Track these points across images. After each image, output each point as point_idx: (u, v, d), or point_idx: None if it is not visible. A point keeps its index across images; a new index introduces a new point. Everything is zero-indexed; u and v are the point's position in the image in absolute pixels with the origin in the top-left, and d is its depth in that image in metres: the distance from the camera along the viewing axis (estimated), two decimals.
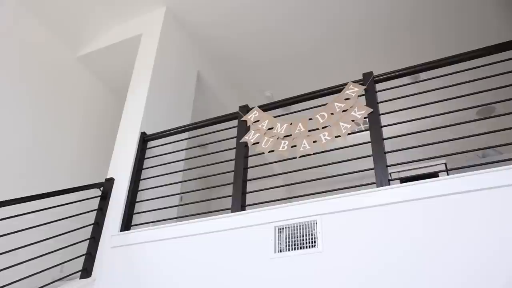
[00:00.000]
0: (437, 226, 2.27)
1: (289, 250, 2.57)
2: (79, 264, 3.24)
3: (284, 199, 2.84)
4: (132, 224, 3.29)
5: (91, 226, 3.32)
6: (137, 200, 3.41)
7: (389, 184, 2.56)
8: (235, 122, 3.42)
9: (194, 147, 3.76)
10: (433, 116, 2.84)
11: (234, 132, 3.39)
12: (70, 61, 4.78)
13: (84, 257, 3.17)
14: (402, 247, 2.29)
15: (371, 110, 2.88)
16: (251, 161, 3.34)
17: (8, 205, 2.68)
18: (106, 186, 3.47)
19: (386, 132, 2.91)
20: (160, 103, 4.08)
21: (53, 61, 4.56)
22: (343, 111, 2.99)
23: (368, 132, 2.82)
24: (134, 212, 3.35)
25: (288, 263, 2.50)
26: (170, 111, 4.20)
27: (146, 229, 3.07)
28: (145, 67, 4.16)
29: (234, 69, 5.45)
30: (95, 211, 3.37)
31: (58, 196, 3.33)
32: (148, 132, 3.75)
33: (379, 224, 2.40)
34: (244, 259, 2.63)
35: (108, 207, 3.35)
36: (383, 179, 2.62)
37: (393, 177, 3.24)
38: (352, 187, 2.69)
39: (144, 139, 3.69)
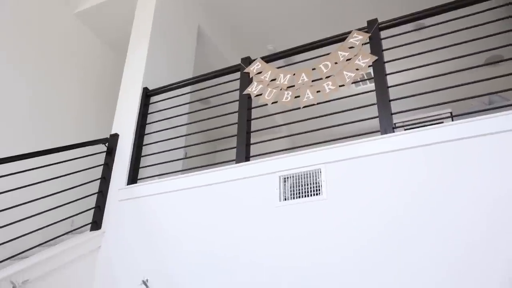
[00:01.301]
0: (442, 171, 2.28)
1: (293, 198, 2.60)
2: (89, 217, 3.31)
3: (288, 149, 2.85)
4: (138, 178, 3.33)
5: (99, 181, 3.37)
6: (142, 154, 3.44)
7: (394, 132, 2.57)
8: (237, 75, 3.39)
9: (197, 100, 3.75)
10: (438, 62, 2.81)
11: (236, 84, 3.37)
12: (68, 17, 4.70)
13: (93, 210, 3.23)
14: (406, 193, 2.31)
15: (376, 57, 2.84)
16: (254, 114, 3.34)
17: (16, 161, 2.71)
18: (111, 142, 3.49)
19: (390, 81, 2.89)
20: (161, 58, 4.04)
21: (52, 17, 4.48)
22: (347, 60, 2.96)
23: (372, 84, 2.80)
24: (140, 166, 3.38)
25: (293, 211, 2.54)
26: (171, 66, 4.17)
27: (152, 182, 3.10)
28: (144, 22, 4.09)
29: (235, 23, 5.36)
30: (102, 166, 3.41)
31: (65, 152, 3.37)
32: (150, 88, 3.74)
33: (383, 171, 2.42)
34: (250, 208, 2.67)
35: (114, 162, 3.39)
36: (387, 127, 2.62)
37: (397, 127, 3.24)
38: (356, 135, 2.70)
39: (147, 94, 3.68)
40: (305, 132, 2.99)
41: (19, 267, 2.47)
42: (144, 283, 2.43)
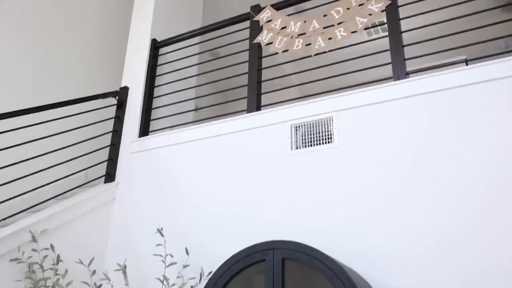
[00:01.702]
0: (455, 116, 2.24)
1: (305, 147, 2.59)
2: (102, 171, 3.35)
3: (299, 98, 2.82)
4: (150, 130, 3.34)
5: (110, 134, 3.39)
6: (153, 107, 3.43)
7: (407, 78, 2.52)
8: (247, 24, 3.32)
9: (206, 51, 3.70)
10: (454, 5, 2.71)
11: (246, 33, 3.30)
12: None
13: (106, 163, 3.26)
14: (419, 139, 2.29)
15: (390, 2, 2.75)
16: (265, 63, 3.29)
17: (26, 114, 2.71)
18: (121, 95, 3.48)
19: (404, 27, 2.80)
20: (169, 8, 3.96)
21: None
22: (360, 5, 2.87)
23: (385, 33, 2.72)
24: (151, 118, 3.38)
25: (304, 159, 2.54)
26: (179, 16, 4.09)
27: (163, 134, 3.11)
28: None
29: None
30: (113, 119, 3.42)
31: (75, 106, 3.37)
32: (159, 39, 3.69)
33: (396, 117, 2.39)
34: (261, 157, 2.67)
35: (125, 115, 3.39)
36: (400, 73, 2.57)
37: (411, 72, 3.17)
38: (368, 82, 2.65)
39: (156, 46, 3.64)
40: (317, 81, 2.96)
41: (38, 217, 2.53)
42: (159, 231, 2.48)
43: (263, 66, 3.12)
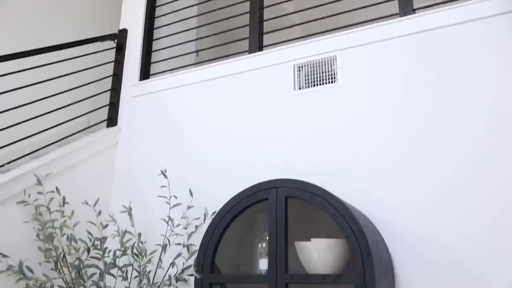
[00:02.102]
0: (464, 53, 2.18)
1: (308, 87, 2.55)
2: (104, 116, 3.33)
3: (302, 37, 2.74)
4: (150, 74, 3.29)
5: (111, 79, 3.34)
6: (153, 49, 3.36)
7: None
8: None
9: None
10: None
11: None
12: None
13: (108, 108, 3.24)
14: (425, 78, 2.24)
15: None
16: (267, 1, 3.19)
17: (23, 57, 2.66)
18: (120, 38, 3.40)
19: None
20: None
21: None
22: None
23: None
24: (151, 61, 3.32)
25: (308, 99, 2.51)
26: None
27: (164, 77, 3.06)
28: None
29: None
30: (112, 63, 3.37)
31: (74, 50, 3.30)
32: None
33: (401, 55, 2.33)
34: (264, 98, 2.64)
35: (125, 58, 3.34)
36: (407, 9, 2.48)
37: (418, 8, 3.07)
38: (372, 19, 2.57)
39: None
40: (320, 19, 2.87)
41: (41, 161, 2.54)
42: (163, 173, 2.49)
43: (264, 5, 3.02)
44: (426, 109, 2.19)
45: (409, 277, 2.08)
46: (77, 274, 2.28)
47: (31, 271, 2.23)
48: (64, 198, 2.41)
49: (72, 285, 2.29)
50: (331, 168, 2.33)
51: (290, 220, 2.03)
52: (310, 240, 2.03)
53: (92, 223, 2.37)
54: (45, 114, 2.78)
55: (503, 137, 2.00)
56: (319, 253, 1.98)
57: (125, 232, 2.37)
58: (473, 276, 1.96)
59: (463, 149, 2.07)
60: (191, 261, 2.43)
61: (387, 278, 1.97)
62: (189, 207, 2.54)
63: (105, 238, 2.33)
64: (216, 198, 2.33)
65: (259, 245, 2.23)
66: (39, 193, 2.42)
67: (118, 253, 2.34)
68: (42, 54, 2.86)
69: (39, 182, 2.43)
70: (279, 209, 2.02)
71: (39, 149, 2.73)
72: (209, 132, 2.74)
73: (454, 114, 2.12)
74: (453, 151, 2.09)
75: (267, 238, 2.04)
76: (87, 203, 2.36)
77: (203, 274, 2.09)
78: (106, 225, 2.40)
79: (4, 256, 2.20)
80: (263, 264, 2.16)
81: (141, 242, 2.47)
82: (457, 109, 2.12)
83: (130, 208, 2.51)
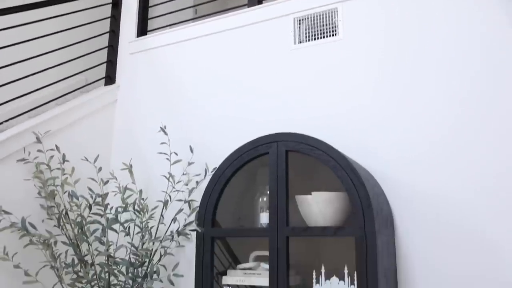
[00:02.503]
0: (459, 4, 2.12)
1: (309, 40, 2.50)
2: (102, 74, 3.28)
3: None
4: (148, 30, 3.23)
5: (107, 35, 3.27)
6: (150, 4, 3.29)
7: None
8: None
9: None
10: None
11: None
12: None
13: (105, 65, 3.19)
14: (427, 29, 2.19)
15: None
16: None
17: (15, 12, 2.60)
18: None
19: None
20: None
21: None
22: None
23: None
24: (148, 17, 3.25)
25: (308, 53, 2.46)
26: None
27: (162, 32, 3.00)
28: None
29: None
30: (109, 20, 3.29)
31: (67, 4, 3.22)
32: None
33: (403, 6, 2.27)
34: (264, 53, 2.59)
35: (121, 14, 3.26)
36: None
37: None
38: None
39: None
40: None
41: (40, 119, 2.52)
42: (162, 129, 2.47)
43: None
44: (426, 62, 2.15)
45: (408, 230, 2.10)
46: (79, 230, 2.30)
47: (34, 227, 2.25)
48: (64, 156, 2.40)
49: (75, 241, 2.31)
50: (332, 122, 2.32)
51: (291, 174, 2.02)
52: (310, 194, 2.03)
53: (92, 179, 2.37)
54: (41, 71, 2.74)
55: (505, 90, 1.97)
56: (319, 206, 1.99)
57: (126, 188, 2.38)
58: (472, 232, 1.98)
59: (464, 102, 2.04)
60: (193, 217, 2.45)
61: (387, 230, 1.98)
62: (189, 164, 2.54)
63: (106, 194, 2.34)
64: (217, 154, 2.32)
65: (260, 199, 2.24)
66: (39, 151, 2.42)
67: (120, 209, 2.35)
68: (37, 10, 2.78)
69: (38, 140, 2.41)
70: (280, 163, 2.01)
71: (37, 107, 2.70)
72: (209, 88, 2.71)
73: (455, 66, 2.08)
74: (456, 103, 2.06)
75: (268, 192, 2.05)
76: (86, 159, 2.36)
77: (204, 228, 2.10)
78: (107, 181, 2.40)
79: (6, 213, 2.21)
80: (264, 218, 2.17)
81: (143, 199, 2.49)
82: (457, 60, 2.08)
83: (131, 166, 2.51)
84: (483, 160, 1.99)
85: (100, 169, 2.40)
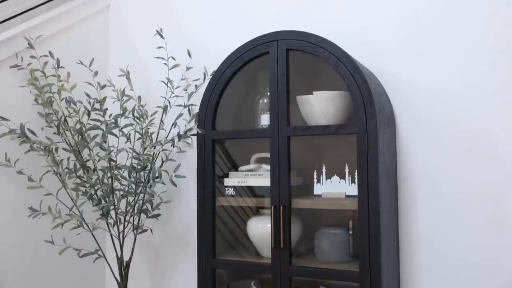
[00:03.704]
0: None
1: None
2: None
3: None
4: None
5: None
6: None
7: None
8: None
9: None
10: None
11: None
12: None
13: None
14: None
15: None
16: None
17: None
18: None
19: None
20: None
21: None
22: None
23: None
24: None
25: None
26: None
27: None
28: None
29: None
30: None
31: None
32: None
33: None
34: None
35: None
36: None
37: None
38: None
39: None
40: None
41: (31, 23, 2.42)
42: (158, 33, 2.38)
43: None
44: None
45: (409, 129, 2.09)
46: (80, 137, 2.29)
47: (34, 133, 2.24)
48: (58, 61, 2.33)
49: (76, 148, 2.31)
50: (333, 19, 2.25)
51: (292, 75, 1.97)
52: (311, 94, 1.99)
53: (89, 83, 2.32)
54: None
55: None
56: (320, 106, 1.96)
57: (123, 92, 2.34)
58: (473, 130, 1.97)
59: None
60: (193, 123, 2.43)
61: (388, 128, 1.97)
62: (188, 68, 2.47)
63: (104, 99, 2.30)
64: (216, 57, 2.23)
65: (260, 101, 2.21)
66: (32, 57, 2.34)
67: (119, 115, 2.33)
68: None
69: (31, 46, 2.33)
70: (280, 62, 1.96)
71: (26, 11, 2.58)
72: None
73: None
74: None
75: (268, 93, 2.01)
76: (81, 63, 2.29)
77: (204, 130, 2.09)
78: (104, 85, 2.36)
79: (3, 119, 2.19)
80: (264, 120, 2.15)
81: (142, 106, 2.45)
82: None
83: (128, 72, 2.45)
84: (487, 59, 1.94)
85: (96, 73, 2.34)
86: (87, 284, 2.66)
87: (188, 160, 2.52)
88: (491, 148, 1.94)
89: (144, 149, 2.34)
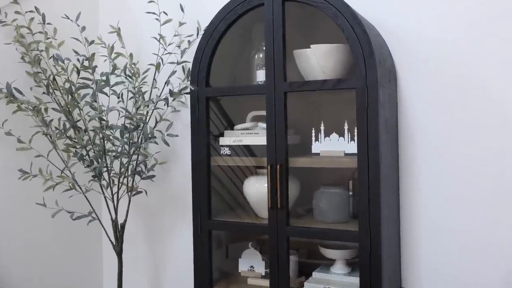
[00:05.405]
0: None
1: None
2: None
3: None
4: None
5: None
6: None
7: None
8: None
9: None
10: None
11: None
12: None
13: None
14: None
15: None
16: None
17: None
18: None
19: None
20: None
21: None
22: None
23: None
24: None
25: None
26: None
27: None
28: None
29: None
30: None
31: None
32: None
33: None
34: None
35: None
36: None
37: None
38: None
39: None
40: None
41: None
42: None
43: None
44: None
45: (410, 83, 2.01)
46: (69, 96, 2.21)
47: (21, 93, 2.16)
48: (44, 16, 2.23)
49: (66, 108, 2.23)
50: None
51: (288, 28, 1.87)
52: (309, 47, 1.90)
53: (75, 39, 2.22)
54: None
55: None
56: (318, 60, 1.87)
57: (113, 48, 2.25)
58: (475, 86, 1.89)
59: None
60: (187, 82, 2.34)
61: (389, 83, 1.88)
62: (181, 24, 2.36)
63: (93, 55, 2.21)
64: (210, 11, 2.12)
65: (256, 56, 2.12)
66: (17, 12, 2.23)
67: (109, 73, 2.24)
68: None
69: (15, 1, 2.22)
70: (276, 14, 1.86)
71: None
72: None
73: None
74: None
75: (264, 48, 1.91)
76: (67, 17, 2.19)
77: (198, 87, 2.01)
78: (92, 41, 2.26)
79: None
80: (260, 76, 2.06)
81: (134, 64, 2.36)
82: None
83: (119, 28, 2.34)
84: (493, 10, 1.84)
85: (83, 28, 2.24)
86: (83, 247, 2.63)
87: (183, 120, 2.45)
88: (494, 103, 1.86)
89: (137, 108, 2.26)
